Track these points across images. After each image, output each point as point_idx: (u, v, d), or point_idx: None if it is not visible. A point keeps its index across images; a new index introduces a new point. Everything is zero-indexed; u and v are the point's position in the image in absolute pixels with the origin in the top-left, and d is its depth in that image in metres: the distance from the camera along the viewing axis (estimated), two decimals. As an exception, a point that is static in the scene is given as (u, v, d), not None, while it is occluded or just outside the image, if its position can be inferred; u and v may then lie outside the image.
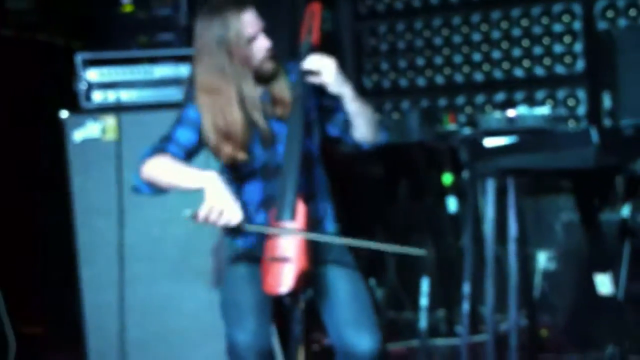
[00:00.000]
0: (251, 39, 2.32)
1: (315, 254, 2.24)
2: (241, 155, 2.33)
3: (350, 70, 4.33)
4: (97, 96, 3.21)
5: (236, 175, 2.41)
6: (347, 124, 2.41)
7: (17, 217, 3.67)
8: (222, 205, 2.16)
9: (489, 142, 2.11)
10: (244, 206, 2.33)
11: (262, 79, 2.37)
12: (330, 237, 2.35)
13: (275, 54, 2.37)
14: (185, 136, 2.37)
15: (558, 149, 1.98)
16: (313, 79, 2.30)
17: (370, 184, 3.95)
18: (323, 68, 2.29)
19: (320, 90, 2.36)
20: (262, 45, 2.34)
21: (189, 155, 2.38)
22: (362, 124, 2.37)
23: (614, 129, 2.01)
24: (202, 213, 2.16)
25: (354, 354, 2.25)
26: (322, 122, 2.45)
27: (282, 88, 2.38)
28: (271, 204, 2.31)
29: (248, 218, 2.32)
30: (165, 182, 2.31)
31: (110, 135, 3.17)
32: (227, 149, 2.33)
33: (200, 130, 2.37)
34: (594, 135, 1.93)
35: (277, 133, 2.38)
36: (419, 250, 2.18)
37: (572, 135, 2.13)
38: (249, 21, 2.31)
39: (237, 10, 2.31)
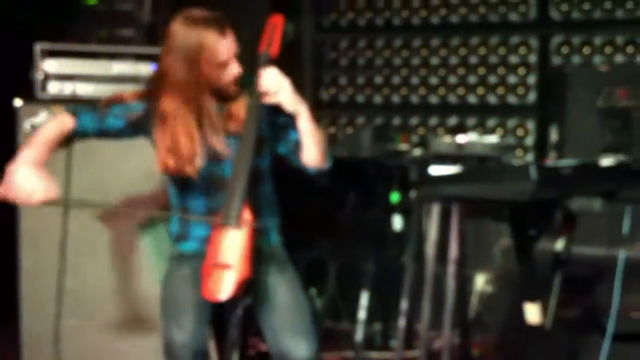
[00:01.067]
0: (223, 64, 2.34)
1: (256, 261, 2.28)
2: (189, 170, 2.35)
3: (309, 81, 4.38)
4: (53, 87, 3.20)
5: (179, 185, 2.43)
6: (297, 145, 2.42)
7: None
8: (21, 185, 2.22)
9: (435, 170, 2.19)
10: (186, 213, 2.39)
11: (223, 97, 2.41)
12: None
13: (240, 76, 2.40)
14: (110, 120, 2.39)
15: (498, 181, 2.06)
16: (269, 99, 2.33)
17: (317, 193, 3.99)
18: (279, 88, 2.32)
19: (275, 108, 2.40)
20: (232, 71, 2.36)
21: (102, 135, 2.41)
22: (312, 146, 2.38)
23: (553, 167, 2.10)
24: (11, 192, 2.23)
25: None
26: (273, 139, 2.47)
27: (239, 105, 2.41)
28: (215, 214, 2.34)
29: (188, 223, 2.36)
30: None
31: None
32: (172, 164, 2.35)
33: (132, 123, 2.39)
34: (533, 171, 2.02)
35: (229, 147, 2.40)
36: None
37: (512, 169, 2.22)
38: (225, 47, 2.33)
39: (217, 33, 2.32)
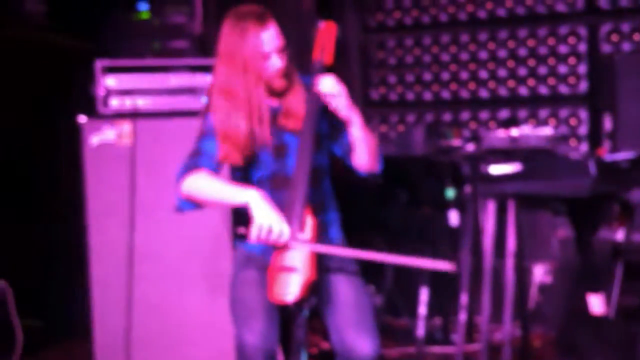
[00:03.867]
0: (266, 57, 2.38)
1: (320, 261, 2.33)
2: (235, 158, 2.39)
3: (357, 82, 4.42)
4: (115, 102, 3.31)
5: (243, 182, 2.48)
6: (350, 148, 2.46)
7: (33, 215, 3.76)
8: (271, 222, 2.22)
9: (493, 169, 2.21)
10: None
11: (275, 93, 2.46)
12: (365, 254, 2.31)
13: (289, 71, 2.44)
14: (212, 146, 2.42)
15: (557, 177, 2.08)
16: (327, 100, 2.38)
17: (371, 193, 4.04)
18: (336, 94, 2.35)
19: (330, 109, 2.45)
20: (274, 64, 2.40)
21: (219, 166, 2.44)
22: (363, 151, 2.42)
23: (611, 161, 2.11)
24: (254, 232, 2.22)
25: (354, 356, 2.31)
26: (329, 140, 2.51)
27: (296, 102, 2.44)
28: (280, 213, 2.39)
29: None
30: (206, 198, 2.37)
31: (125, 141, 3.27)
32: (223, 149, 2.39)
33: None
34: (592, 167, 2.03)
35: (288, 145, 2.45)
36: (445, 264, 2.19)
37: (571, 164, 2.23)
38: (267, 39, 2.36)
39: (259, 26, 2.36)
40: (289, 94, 2.45)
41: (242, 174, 2.48)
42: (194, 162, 2.41)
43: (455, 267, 2.12)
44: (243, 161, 2.42)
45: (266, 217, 2.23)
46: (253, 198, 2.27)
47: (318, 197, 2.44)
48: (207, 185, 2.36)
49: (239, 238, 2.50)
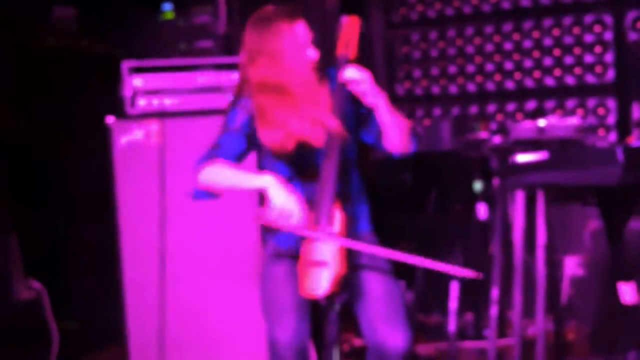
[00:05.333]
0: (300, 49, 2.39)
1: (350, 256, 2.33)
2: (287, 145, 2.40)
3: (382, 77, 4.42)
4: (142, 102, 3.33)
5: (279, 175, 2.50)
6: (380, 134, 2.48)
7: (63, 218, 3.80)
8: (290, 206, 2.25)
9: (520, 158, 2.19)
10: None
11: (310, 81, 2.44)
12: (387, 251, 2.33)
13: (319, 64, 2.45)
14: (233, 142, 2.45)
15: (585, 166, 2.06)
16: (353, 87, 2.39)
17: (400, 190, 4.02)
18: (360, 81, 2.38)
19: (356, 99, 2.46)
20: (311, 55, 2.42)
21: (238, 160, 2.47)
22: (394, 134, 2.43)
23: (639, 148, 2.08)
24: (272, 215, 2.25)
25: (387, 349, 2.30)
26: (358, 129, 2.53)
27: (325, 94, 2.44)
28: (308, 206, 2.40)
29: None
30: (224, 185, 2.41)
31: (154, 140, 3.30)
32: (272, 137, 2.39)
33: (247, 135, 2.45)
34: (620, 154, 2.01)
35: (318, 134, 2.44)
36: (470, 272, 2.18)
37: (598, 152, 2.20)
38: (300, 32, 2.40)
39: (289, 20, 2.39)
40: (320, 85, 2.46)
41: (269, 166, 2.49)
42: (212, 153, 2.45)
43: (479, 275, 2.11)
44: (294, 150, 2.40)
45: (284, 199, 2.24)
46: (270, 181, 2.29)
47: (347, 190, 2.45)
48: (223, 173, 2.39)
49: (265, 230, 2.51)
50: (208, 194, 2.47)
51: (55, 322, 3.25)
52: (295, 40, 2.39)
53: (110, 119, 3.30)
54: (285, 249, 2.49)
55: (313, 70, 2.44)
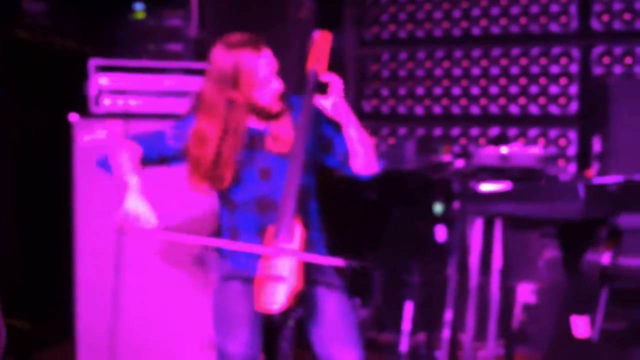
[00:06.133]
0: (263, 82, 2.40)
1: (306, 274, 2.33)
2: (202, 189, 2.46)
3: (351, 93, 4.43)
4: (107, 102, 3.29)
5: (227, 202, 2.49)
6: (346, 156, 2.48)
7: (21, 213, 3.73)
8: (135, 211, 2.28)
9: (484, 187, 2.22)
10: (235, 232, 2.43)
11: (267, 116, 2.47)
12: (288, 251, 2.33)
13: (282, 94, 2.46)
14: (167, 141, 2.48)
15: (546, 200, 2.09)
16: (322, 102, 2.39)
17: (362, 206, 4.04)
18: (334, 83, 2.38)
19: (318, 120, 2.45)
20: (273, 88, 2.42)
21: (163, 160, 2.50)
22: (362, 152, 2.44)
23: (600, 185, 2.12)
24: (119, 216, 2.30)
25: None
26: (320, 153, 2.53)
27: (285, 125, 2.46)
28: (264, 233, 2.40)
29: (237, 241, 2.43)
30: (115, 168, 2.45)
31: (117, 141, 3.25)
32: (193, 179, 2.46)
33: (185, 145, 2.47)
34: (581, 190, 2.05)
35: (274, 168, 2.46)
36: (339, 260, 2.24)
37: (561, 187, 2.24)
38: (263, 64, 2.39)
39: (254, 51, 2.38)
40: (279, 118, 2.47)
41: (223, 199, 2.48)
42: (139, 138, 2.49)
43: (346, 264, 2.17)
44: (216, 186, 2.45)
45: (133, 204, 2.29)
46: (130, 185, 2.34)
47: (304, 217, 2.44)
48: (121, 158, 2.43)
49: (221, 251, 2.51)
50: (108, 167, 2.50)
51: (3, 320, 3.19)
52: (256, 74, 2.38)
53: (73, 117, 3.25)
54: (240, 269, 2.48)
55: (276, 100, 2.43)
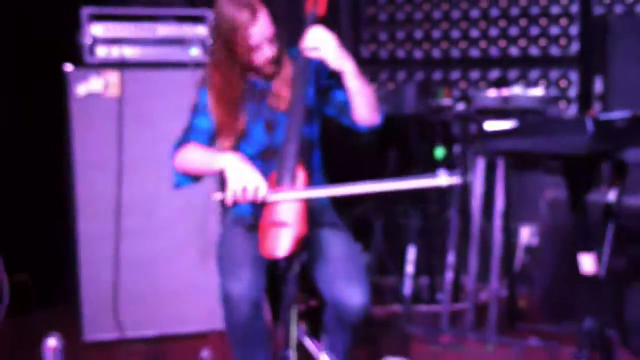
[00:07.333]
0: (255, 47, 2.37)
1: (311, 218, 2.32)
2: (240, 125, 2.43)
3: (348, 39, 4.36)
4: (101, 51, 3.23)
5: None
6: (343, 105, 2.45)
7: (18, 167, 3.69)
8: (244, 182, 2.23)
9: (490, 125, 2.19)
10: None
11: (265, 76, 2.46)
12: (339, 189, 2.25)
13: (280, 55, 2.42)
14: (204, 122, 2.46)
15: (553, 134, 2.06)
16: (314, 54, 2.35)
17: (362, 151, 4.02)
18: (323, 43, 2.34)
19: (318, 71, 2.42)
20: (265, 54, 2.39)
21: (213, 140, 2.47)
22: (361, 103, 2.40)
23: (607, 120, 2.10)
24: (229, 196, 2.24)
25: (345, 307, 2.31)
26: (320, 102, 2.49)
27: (283, 83, 2.44)
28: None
29: None
30: (195, 168, 2.42)
31: (113, 91, 3.21)
32: (228, 119, 2.42)
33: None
34: (589, 124, 2.02)
35: (279, 121, 2.45)
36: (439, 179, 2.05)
37: (568, 122, 2.22)
38: (257, 32, 2.35)
39: (250, 18, 2.34)
40: (278, 77, 2.46)
41: (233, 150, 2.47)
42: (185, 137, 2.47)
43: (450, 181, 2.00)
44: (234, 140, 2.44)
45: (239, 180, 2.23)
46: (227, 163, 2.29)
47: (307, 166, 2.42)
48: (193, 156, 2.41)
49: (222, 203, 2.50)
50: (188, 178, 2.47)
51: (6, 275, 3.18)
52: (250, 41, 2.35)
53: (68, 67, 3.20)
54: (245, 215, 2.48)
55: (269, 64, 2.41)
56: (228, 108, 2.43)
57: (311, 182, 2.42)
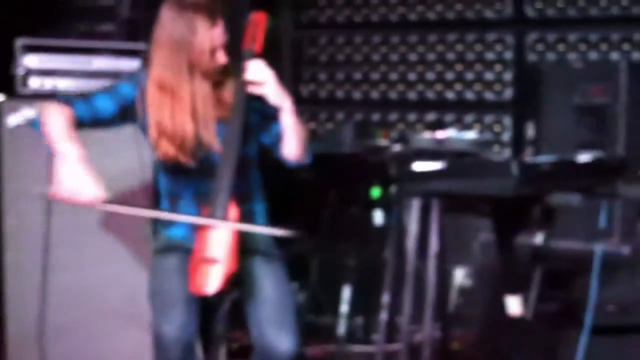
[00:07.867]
0: (212, 52, 2.36)
1: (243, 248, 2.30)
2: (184, 159, 2.38)
3: (288, 77, 4.40)
4: (34, 82, 3.18)
5: (169, 168, 2.45)
6: (279, 137, 2.46)
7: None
8: (72, 184, 2.18)
9: (418, 166, 2.23)
10: (173, 197, 2.38)
11: (212, 81, 2.43)
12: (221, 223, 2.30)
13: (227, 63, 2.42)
14: (104, 104, 2.40)
15: (481, 176, 2.11)
16: (255, 89, 2.36)
17: (299, 189, 4.02)
18: (264, 80, 2.35)
19: (263, 99, 2.43)
20: (220, 60, 2.39)
21: (96, 123, 2.40)
22: (293, 140, 2.43)
23: (533, 163, 2.16)
24: (52, 191, 2.20)
25: (273, 353, 2.31)
26: (260, 128, 2.51)
27: (228, 91, 2.44)
28: (203, 201, 2.37)
29: (177, 209, 2.39)
30: (45, 131, 2.32)
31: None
32: (170, 151, 2.37)
33: (122, 107, 2.40)
34: (514, 167, 2.08)
35: (217, 134, 2.43)
36: (286, 231, 2.23)
37: (494, 165, 2.28)
38: (216, 36, 2.36)
39: (209, 21, 2.34)
40: (222, 84, 2.45)
41: (166, 165, 2.44)
42: (74, 100, 2.37)
43: (293, 233, 2.17)
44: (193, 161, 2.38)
45: (68, 179, 2.18)
46: (64, 158, 2.21)
47: (244, 187, 2.43)
48: (52, 120, 2.30)
49: (157, 221, 2.46)
50: (39, 127, 2.37)
51: None
52: (209, 44, 2.35)
53: (0, 97, 3.14)
54: (178, 239, 2.44)
55: (218, 73, 2.39)
56: (184, 134, 2.37)
57: (249, 206, 2.42)
